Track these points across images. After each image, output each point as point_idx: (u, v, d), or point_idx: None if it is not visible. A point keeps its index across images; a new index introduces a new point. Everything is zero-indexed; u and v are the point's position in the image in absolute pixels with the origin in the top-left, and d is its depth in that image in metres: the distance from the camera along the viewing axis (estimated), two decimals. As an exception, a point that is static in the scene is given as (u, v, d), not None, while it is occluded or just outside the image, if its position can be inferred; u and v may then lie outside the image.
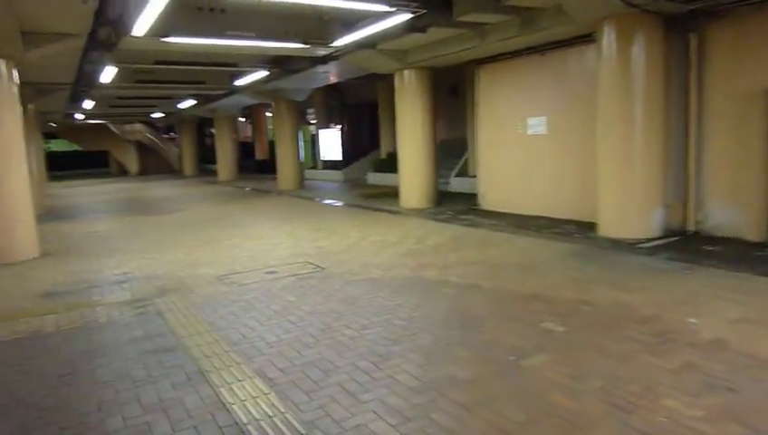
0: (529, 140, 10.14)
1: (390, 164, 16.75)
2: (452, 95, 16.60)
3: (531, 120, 10.06)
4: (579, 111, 8.96)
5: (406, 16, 7.77)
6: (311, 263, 6.85)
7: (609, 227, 7.74)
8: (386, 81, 16.74)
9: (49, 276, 6.80)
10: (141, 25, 7.27)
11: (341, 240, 8.31)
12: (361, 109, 22.31)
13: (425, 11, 7.69)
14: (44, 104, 16.26)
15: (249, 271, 6.59)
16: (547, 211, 9.73)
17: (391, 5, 7.33)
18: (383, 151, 19.79)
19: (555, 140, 9.60)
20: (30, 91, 13.09)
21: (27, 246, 8.14)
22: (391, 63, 11.20)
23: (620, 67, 7.42)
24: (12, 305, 5.60)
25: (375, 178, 18.68)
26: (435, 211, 11.10)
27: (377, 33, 8.78)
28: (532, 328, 4.26)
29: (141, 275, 6.69)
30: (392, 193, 13.55)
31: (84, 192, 21.32)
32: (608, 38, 7.47)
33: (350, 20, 8.57)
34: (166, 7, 6.83)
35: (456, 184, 14.87)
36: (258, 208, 13.21)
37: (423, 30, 8.82)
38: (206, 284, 6.10)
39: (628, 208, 7.63)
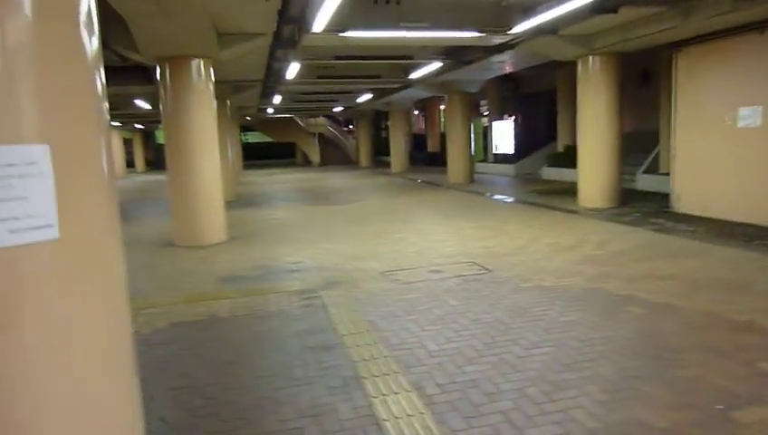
0: (739, 134, 8.63)
1: (568, 158, 15.65)
2: (642, 82, 14.97)
3: (742, 111, 8.55)
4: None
5: (594, -4, 6.99)
6: (477, 264, 6.48)
7: None
8: (566, 68, 15.64)
9: (231, 261, 7.31)
10: (320, 21, 7.46)
11: (511, 241, 7.80)
12: (537, 99, 21.21)
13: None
14: (240, 100, 17.88)
15: (413, 268, 6.43)
16: (758, 218, 8.21)
17: (578, -16, 6.63)
18: (560, 144, 18.59)
19: (775, 134, 8.05)
20: (227, 88, 14.44)
21: (217, 231, 8.89)
22: (574, 49, 10.30)
23: None
24: (196, 287, 6.07)
25: (550, 173, 17.62)
26: (618, 212, 10.02)
27: (560, 17, 8.06)
28: (745, 368, 3.45)
29: (312, 265, 6.88)
30: (569, 190, 12.60)
31: (271, 180, 23.17)
32: None
33: (530, 4, 7.96)
34: (343, 3, 6.91)
35: (644, 182, 13.36)
36: (426, 202, 13.12)
37: (614, 10, 7.89)
38: (371, 279, 6.05)
39: None
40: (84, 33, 1.86)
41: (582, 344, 3.87)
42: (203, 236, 8.68)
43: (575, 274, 5.84)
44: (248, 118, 31.43)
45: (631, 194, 12.10)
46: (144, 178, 28.63)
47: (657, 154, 13.42)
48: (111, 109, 17.97)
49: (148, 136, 40.12)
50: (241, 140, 32.52)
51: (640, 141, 14.48)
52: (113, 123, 28.54)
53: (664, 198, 10.56)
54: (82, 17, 1.86)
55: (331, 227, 9.87)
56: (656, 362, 3.58)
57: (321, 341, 4.23)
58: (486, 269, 6.20)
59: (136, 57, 8.56)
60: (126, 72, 11.58)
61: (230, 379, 3.63)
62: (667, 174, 10.76)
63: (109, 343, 1.95)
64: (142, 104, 17.87)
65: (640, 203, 10.98)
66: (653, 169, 13.35)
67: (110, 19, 7.58)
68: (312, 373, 3.64)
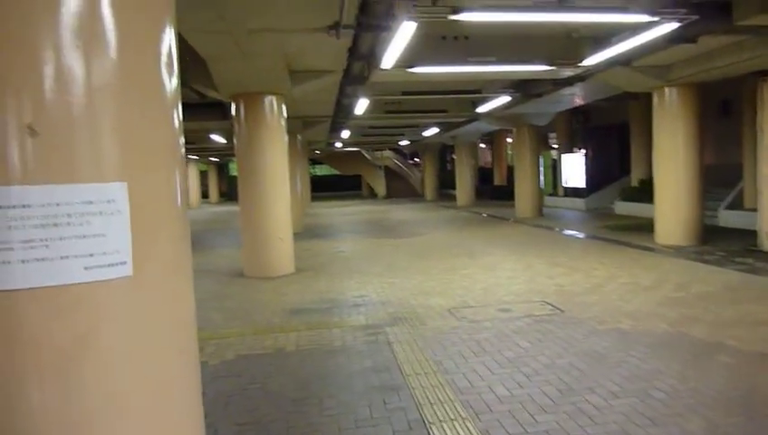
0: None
1: (643, 193, 15.01)
2: (722, 113, 14.24)
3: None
4: None
5: (671, 26, 6.70)
6: (548, 303, 6.21)
7: None
8: (640, 100, 15.16)
9: (298, 293, 7.36)
10: (389, 58, 7.55)
11: (584, 279, 7.46)
12: (609, 131, 20.58)
13: (695, 17, 6.54)
14: (310, 134, 18.37)
15: (481, 306, 6.24)
16: None
17: (654, 15, 6.39)
18: (634, 178, 17.88)
19: None
20: (298, 123, 14.86)
21: (285, 263, 9.02)
22: (649, 81, 9.93)
23: None
24: (265, 319, 6.12)
25: (623, 207, 16.93)
26: (699, 250, 9.43)
27: (634, 48, 7.80)
28: None
29: (377, 299, 6.82)
30: (645, 226, 12.02)
31: (337, 212, 23.50)
32: None
33: (602, 35, 7.76)
34: (412, 39, 6.98)
35: (727, 218, 12.58)
36: (494, 237, 12.86)
37: (692, 40, 7.57)
38: (437, 316, 5.91)
39: None
40: (164, 73, 1.91)
41: (668, 396, 3.58)
42: (272, 267, 8.82)
43: (655, 317, 5.48)
44: (317, 151, 32.22)
45: (713, 231, 11.39)
46: (217, 209, 29.74)
47: (742, 189, 12.63)
48: (189, 143, 18.84)
49: (222, 168, 41.87)
50: (309, 173, 33.32)
51: (721, 175, 13.71)
52: (191, 157, 30.01)
53: (750, 235, 9.87)
54: (163, 57, 1.91)
55: (396, 260, 9.81)
56: (753, 421, 3.24)
57: (386, 380, 4.13)
58: (559, 309, 5.93)
59: (213, 94, 8.94)
60: (203, 108, 12.13)
61: (296, 417, 3.58)
62: (754, 210, 10.08)
63: (177, 380, 1.94)
64: (217, 138, 18.67)
65: (723, 241, 10.30)
66: (737, 205, 12.57)
67: (189, 59, 8.00)
68: (377, 414, 3.53)
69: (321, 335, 5.38)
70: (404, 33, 6.28)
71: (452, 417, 3.42)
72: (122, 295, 1.72)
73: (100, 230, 1.65)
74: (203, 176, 38.07)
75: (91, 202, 1.62)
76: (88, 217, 1.62)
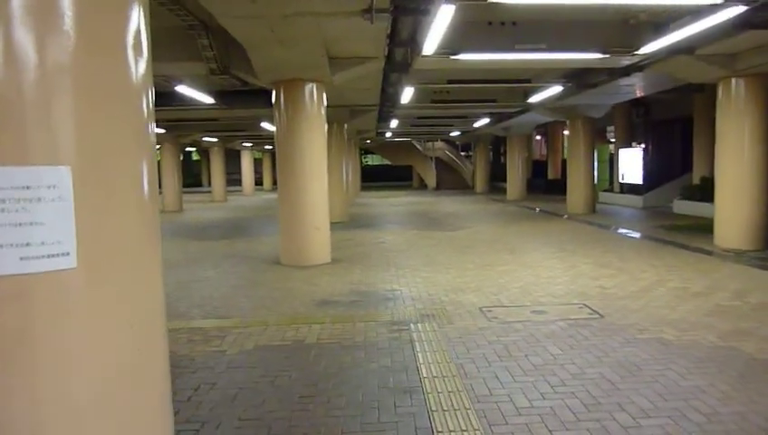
0: None
1: (705, 191, 14.12)
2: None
3: None
4: None
5: (738, 10, 6.14)
6: (587, 306, 5.84)
7: None
8: (706, 92, 14.25)
9: (329, 284, 7.24)
10: (430, 44, 7.28)
11: (630, 282, 7.00)
12: (671, 126, 19.51)
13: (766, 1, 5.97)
14: (358, 124, 18.24)
15: (515, 306, 5.93)
16: None
17: (719, -3, 5.87)
18: (696, 176, 16.88)
19: None
20: (345, 112, 14.75)
21: (321, 252, 8.93)
22: (713, 71, 9.22)
23: None
24: (291, 309, 6.03)
25: (683, 206, 16.01)
26: (762, 256, 8.73)
27: (696, 35, 7.22)
28: None
29: (408, 294, 6.62)
30: (705, 227, 11.28)
31: (386, 202, 23.35)
32: None
33: (662, 21, 7.22)
34: (456, 25, 6.69)
35: (798, 221, 11.62)
36: (540, 233, 12.38)
37: (762, 26, 6.94)
38: (467, 314, 5.65)
39: None
40: (130, 54, 1.77)
41: (706, 420, 3.22)
42: (307, 256, 8.75)
43: (704, 327, 5.03)
44: (368, 141, 32.14)
45: (782, 235, 10.55)
46: (269, 196, 30.13)
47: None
48: (240, 130, 19.06)
49: (275, 156, 42.37)
50: (361, 163, 33.23)
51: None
52: (244, 144, 30.50)
53: (824, 241, 9.07)
54: (129, 38, 1.77)
55: (435, 254, 9.56)
56: (805, 453, 2.86)
57: (401, 381, 3.93)
58: (598, 314, 5.55)
59: (253, 81, 8.90)
60: (251, 95, 12.18)
61: (300, 415, 3.43)
62: (829, 214, 9.24)
63: (135, 381, 1.80)
64: (268, 126, 18.83)
65: (793, 246, 9.52)
66: (810, 207, 11.58)
67: (231, 46, 7.97)
68: (385, 419, 3.34)
69: (344, 329, 5.23)
70: (443, 16, 6.01)
71: (463, 427, 3.19)
72: (64, 289, 1.58)
73: (39, 218, 1.51)
74: (257, 164, 38.67)
75: (27, 187, 1.48)
76: (24, 203, 1.49)
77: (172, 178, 21.89)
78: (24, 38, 1.50)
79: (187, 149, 43.60)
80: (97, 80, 1.65)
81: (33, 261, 1.50)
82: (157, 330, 1.90)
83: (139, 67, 1.79)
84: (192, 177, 44.78)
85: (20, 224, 1.49)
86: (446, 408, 3.46)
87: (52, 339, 1.55)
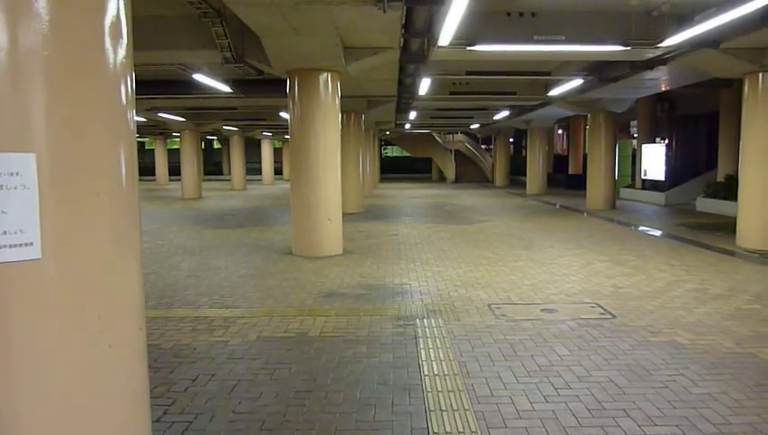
0: None
1: (729, 189, 13.74)
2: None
3: None
4: None
5: (765, 1, 5.90)
6: (600, 306, 5.69)
7: None
8: (733, 87, 13.86)
9: (338, 276, 7.18)
10: (446, 34, 7.13)
11: (646, 282, 6.82)
12: (696, 121, 19.04)
13: (799, -8, 5.72)
14: (376, 115, 18.11)
15: (525, 304, 5.80)
16: None
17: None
18: (721, 173, 16.46)
19: None
20: (362, 102, 14.63)
21: (332, 244, 8.87)
22: (740, 65, 8.90)
23: None
24: (298, 300, 5.98)
25: (706, 204, 15.62)
26: (788, 257, 8.47)
27: (722, 27, 6.97)
28: None
29: (416, 288, 6.53)
30: (728, 226, 10.98)
31: (403, 194, 23.23)
32: None
33: (686, 13, 6.98)
34: (473, 15, 6.55)
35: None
36: (557, 228, 12.17)
37: (794, 19, 6.67)
38: (475, 310, 5.54)
39: None
40: (107, 39, 1.70)
41: (716, 430, 3.07)
42: (319, 247, 8.70)
43: (721, 331, 4.86)
44: (387, 133, 32.00)
45: (809, 236, 10.20)
46: (287, 186, 30.11)
47: None
48: (260, 119, 19.04)
49: (294, 146, 42.33)
50: (380, 154, 33.05)
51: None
52: (265, 133, 30.56)
53: None
54: (107, 22, 1.70)
55: (448, 247, 9.44)
56: (819, 469, 2.72)
57: (401, 378, 3.85)
58: (610, 314, 5.40)
59: (268, 70, 8.84)
60: (270, 84, 12.09)
61: (295, 410, 3.37)
62: None
63: (106, 377, 1.74)
64: (285, 116, 18.82)
65: (820, 248, 9.20)
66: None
67: (246, 34, 7.91)
68: (381, 417, 3.26)
69: (348, 322, 5.16)
70: (458, 6, 5.86)
71: (460, 429, 3.09)
72: (27, 280, 1.52)
73: (0, 206, 1.44)
74: (276, 153, 38.73)
75: (-14, 174, 1.42)
76: (-18, 191, 1.42)
77: (192, 166, 22.03)
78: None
79: (209, 137, 43.90)
80: (69, 65, 1.59)
81: (-8, 251, 1.44)
82: (132, 324, 1.84)
83: (118, 53, 1.72)
84: (213, 165, 45.12)
85: (-21, 213, 1.42)
86: (444, 408, 3.37)
87: (16, 331, 1.50)
